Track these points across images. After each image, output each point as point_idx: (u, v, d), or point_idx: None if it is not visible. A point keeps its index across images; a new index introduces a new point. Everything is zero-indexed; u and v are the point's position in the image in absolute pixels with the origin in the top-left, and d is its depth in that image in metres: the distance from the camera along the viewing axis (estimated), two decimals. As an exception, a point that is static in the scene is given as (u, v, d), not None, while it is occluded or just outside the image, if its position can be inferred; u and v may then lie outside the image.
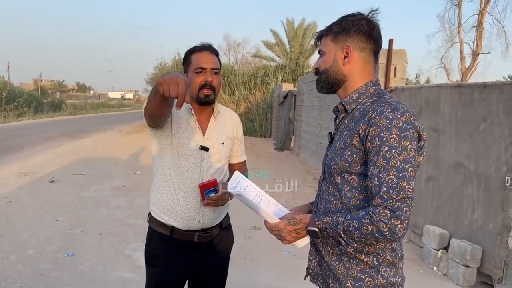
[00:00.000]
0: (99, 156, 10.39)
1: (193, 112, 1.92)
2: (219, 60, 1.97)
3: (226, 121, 2.04)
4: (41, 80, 59.48)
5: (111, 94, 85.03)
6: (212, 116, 1.97)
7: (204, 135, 1.93)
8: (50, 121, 22.83)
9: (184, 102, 1.38)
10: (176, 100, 1.39)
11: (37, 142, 12.33)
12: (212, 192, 1.84)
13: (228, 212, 2.10)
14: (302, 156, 11.35)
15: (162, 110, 1.70)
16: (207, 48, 1.94)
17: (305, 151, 11.12)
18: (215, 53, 1.95)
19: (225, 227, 2.05)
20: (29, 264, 3.82)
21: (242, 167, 2.14)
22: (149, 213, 1.99)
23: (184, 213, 1.87)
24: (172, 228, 1.89)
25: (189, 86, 1.40)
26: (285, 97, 13.78)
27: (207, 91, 1.87)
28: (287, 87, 14.86)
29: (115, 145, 12.70)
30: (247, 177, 1.57)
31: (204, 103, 1.90)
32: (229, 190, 1.53)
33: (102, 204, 6.03)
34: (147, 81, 26.72)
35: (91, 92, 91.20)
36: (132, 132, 16.06)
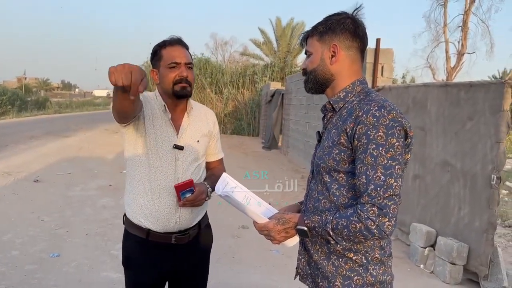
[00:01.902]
0: (84, 155, 10.26)
1: (167, 109, 1.85)
2: (190, 54, 1.91)
3: (200, 118, 1.98)
4: (25, 78, 58.43)
5: (97, 92, 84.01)
6: (186, 113, 1.90)
7: (178, 134, 1.87)
8: (35, 120, 22.46)
9: (140, 93, 1.32)
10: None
11: (21, 141, 12.13)
12: (188, 193, 1.78)
13: (206, 212, 2.05)
14: (290, 155, 11.37)
15: (125, 105, 1.58)
16: (179, 42, 1.86)
17: (293, 150, 11.14)
18: (186, 47, 1.88)
19: (204, 227, 2.00)
20: (13, 265, 3.75)
21: (219, 165, 2.09)
22: (124, 215, 1.93)
23: (159, 214, 1.82)
24: (148, 231, 1.83)
25: (144, 76, 1.33)
26: (273, 95, 13.79)
27: (184, 84, 1.81)
28: (275, 85, 14.89)
29: (100, 144, 12.54)
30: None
31: (182, 96, 1.83)
32: (216, 192, 1.50)
33: (88, 203, 5.95)
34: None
35: (76, 90, 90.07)
36: (118, 131, 15.83)
